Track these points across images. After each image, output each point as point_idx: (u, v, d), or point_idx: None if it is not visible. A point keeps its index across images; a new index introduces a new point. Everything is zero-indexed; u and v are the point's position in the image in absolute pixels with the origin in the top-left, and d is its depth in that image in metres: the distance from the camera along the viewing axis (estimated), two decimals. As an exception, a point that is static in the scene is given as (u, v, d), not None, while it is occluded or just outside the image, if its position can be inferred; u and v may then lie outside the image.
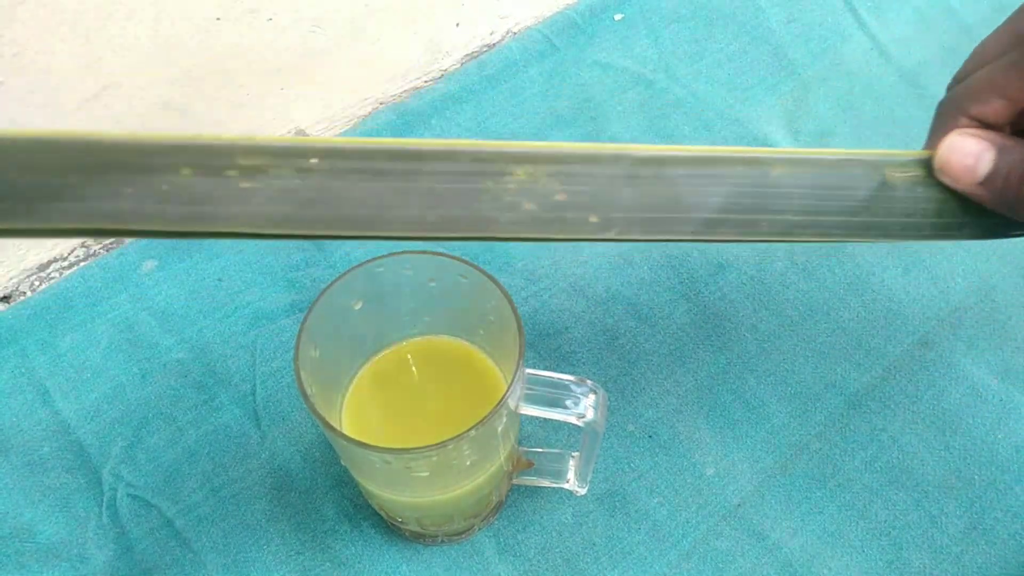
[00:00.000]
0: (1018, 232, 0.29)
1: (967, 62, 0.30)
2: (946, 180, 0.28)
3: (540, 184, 0.25)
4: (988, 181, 0.27)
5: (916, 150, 0.29)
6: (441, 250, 0.31)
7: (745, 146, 0.49)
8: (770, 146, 0.49)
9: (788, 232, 0.27)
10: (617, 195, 0.25)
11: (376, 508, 0.36)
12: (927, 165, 0.28)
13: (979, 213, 0.28)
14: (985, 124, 0.28)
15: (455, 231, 0.24)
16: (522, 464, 0.35)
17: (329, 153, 0.23)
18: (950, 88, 0.30)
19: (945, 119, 0.29)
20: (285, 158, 0.23)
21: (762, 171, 0.27)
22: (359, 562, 0.36)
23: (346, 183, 0.23)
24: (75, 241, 0.45)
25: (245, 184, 0.22)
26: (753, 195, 0.27)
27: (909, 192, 0.28)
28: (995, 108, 0.27)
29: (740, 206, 0.27)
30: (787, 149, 0.28)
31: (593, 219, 0.25)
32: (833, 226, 0.28)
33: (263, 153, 0.22)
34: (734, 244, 0.43)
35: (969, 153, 0.27)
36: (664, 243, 0.44)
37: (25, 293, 0.44)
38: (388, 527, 0.36)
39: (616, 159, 0.26)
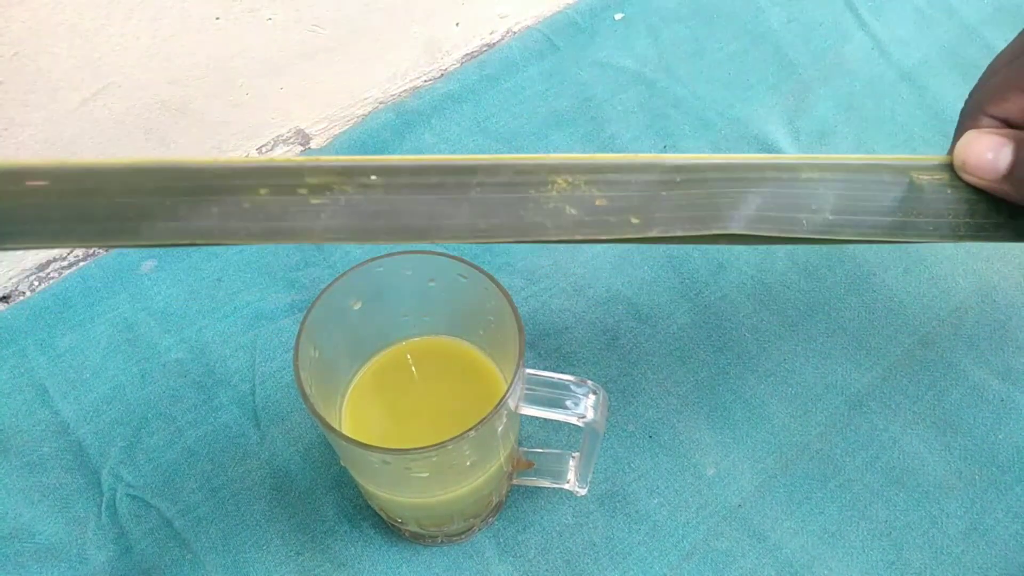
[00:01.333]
0: None
1: (984, 73, 0.30)
2: (968, 178, 0.28)
3: (580, 191, 0.26)
4: (1011, 175, 0.27)
5: (940, 155, 0.29)
6: (441, 250, 0.31)
7: (747, 146, 0.49)
8: (771, 146, 0.49)
9: (829, 231, 0.28)
10: (655, 198, 0.27)
11: (376, 509, 0.36)
12: (951, 168, 0.28)
13: (1013, 213, 0.28)
14: (1007, 124, 0.28)
15: (506, 236, 0.26)
16: (522, 464, 0.35)
17: (386, 170, 0.25)
18: (970, 97, 0.30)
19: (966, 121, 0.29)
20: (348, 176, 0.25)
21: (792, 174, 0.28)
22: (359, 563, 0.36)
23: (403, 196, 0.25)
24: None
25: (315, 200, 0.24)
26: (789, 195, 0.27)
27: (938, 194, 0.28)
28: (1015, 105, 0.27)
29: (779, 205, 0.27)
30: (812, 155, 0.29)
31: (635, 220, 0.26)
32: (869, 226, 0.28)
33: (328, 172, 0.25)
34: (729, 244, 0.43)
35: (987, 148, 0.27)
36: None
37: (24, 293, 0.44)
38: (388, 528, 0.36)
39: (649, 167, 0.27)
